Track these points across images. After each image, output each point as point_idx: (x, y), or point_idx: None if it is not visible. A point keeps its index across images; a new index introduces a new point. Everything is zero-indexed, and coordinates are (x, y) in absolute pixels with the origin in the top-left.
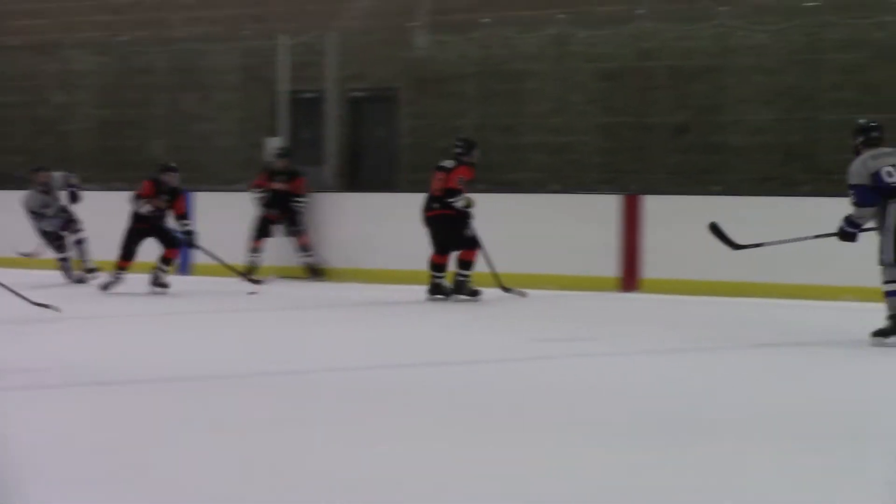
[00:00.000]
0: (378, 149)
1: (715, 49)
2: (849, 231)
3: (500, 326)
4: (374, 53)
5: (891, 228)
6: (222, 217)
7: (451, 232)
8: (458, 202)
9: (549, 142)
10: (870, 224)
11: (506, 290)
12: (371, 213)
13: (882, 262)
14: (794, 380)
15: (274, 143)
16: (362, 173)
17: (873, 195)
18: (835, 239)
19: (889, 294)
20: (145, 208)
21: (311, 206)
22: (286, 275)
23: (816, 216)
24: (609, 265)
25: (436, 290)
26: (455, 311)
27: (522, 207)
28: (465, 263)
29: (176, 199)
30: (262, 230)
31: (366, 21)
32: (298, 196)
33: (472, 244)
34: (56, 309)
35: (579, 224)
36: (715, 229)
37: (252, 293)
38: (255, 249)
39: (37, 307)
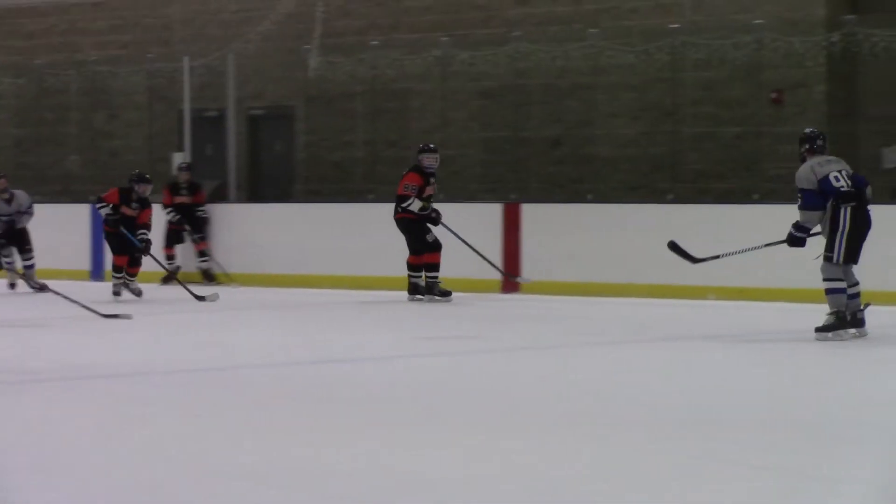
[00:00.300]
0: (275, 162)
1: (586, 68)
2: (798, 236)
3: (391, 326)
4: (272, 74)
5: (845, 230)
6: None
7: (411, 234)
8: (412, 206)
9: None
10: (817, 228)
11: (513, 276)
12: (269, 222)
13: (827, 260)
14: (661, 372)
15: (179, 159)
16: (261, 185)
17: (820, 199)
18: (783, 246)
19: (830, 292)
20: (105, 210)
21: (212, 216)
22: (186, 279)
23: (680, 222)
24: (492, 269)
25: (413, 290)
26: (349, 312)
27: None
28: (429, 266)
29: (144, 210)
30: (173, 238)
31: (264, 44)
32: (200, 206)
33: (432, 247)
34: (127, 316)
35: (464, 231)
36: (674, 246)
37: (205, 298)
38: (169, 257)
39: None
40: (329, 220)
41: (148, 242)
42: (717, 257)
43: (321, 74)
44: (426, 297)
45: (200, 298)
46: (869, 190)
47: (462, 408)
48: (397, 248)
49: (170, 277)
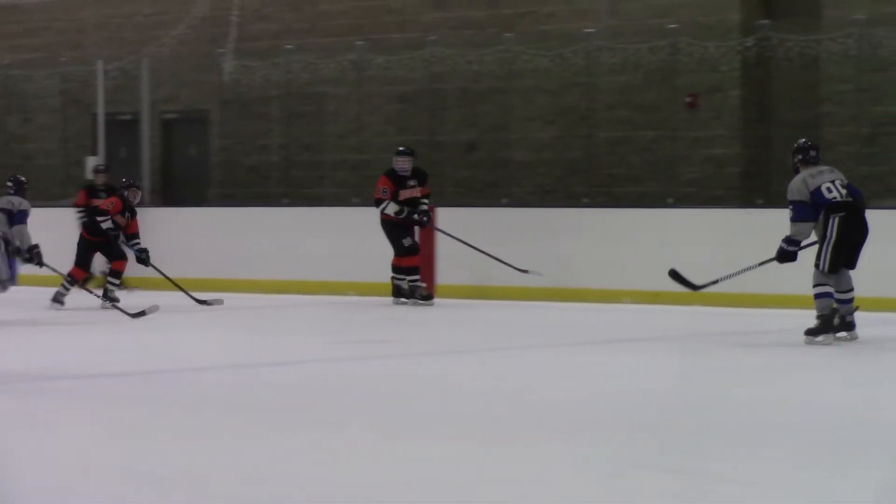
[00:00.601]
0: (190, 166)
1: (501, 72)
2: (789, 251)
3: (307, 329)
4: (186, 78)
5: (832, 240)
6: (46, 231)
7: (391, 237)
8: (387, 209)
9: (349, 159)
10: (809, 240)
11: (523, 270)
12: (183, 225)
13: (815, 268)
14: (574, 374)
15: (93, 162)
16: (175, 189)
17: (812, 211)
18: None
19: (819, 296)
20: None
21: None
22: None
23: (595, 226)
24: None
25: (397, 292)
26: (263, 315)
27: (325, 220)
28: (406, 269)
29: (133, 218)
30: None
31: (178, 47)
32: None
33: (409, 251)
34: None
35: (378, 235)
36: (674, 275)
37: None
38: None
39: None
40: (244, 224)
41: (146, 252)
42: (717, 282)
43: (236, 78)
44: (410, 301)
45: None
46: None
47: (364, 412)
48: (313, 252)
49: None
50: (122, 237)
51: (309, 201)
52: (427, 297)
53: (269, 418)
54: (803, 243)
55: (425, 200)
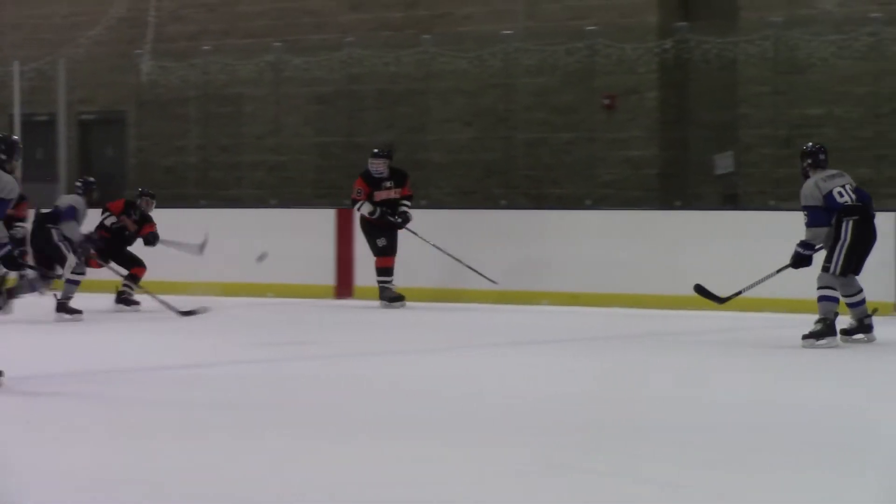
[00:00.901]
0: (107, 168)
1: (419, 74)
2: (805, 255)
3: (233, 332)
4: (103, 79)
5: (846, 242)
6: None
7: (366, 238)
8: (362, 210)
9: (267, 160)
10: (822, 244)
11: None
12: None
13: (824, 270)
14: (490, 377)
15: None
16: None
17: (826, 216)
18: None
19: (824, 299)
20: (110, 220)
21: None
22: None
23: (513, 227)
24: (325, 275)
25: (382, 294)
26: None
27: (244, 221)
28: (380, 270)
29: (145, 224)
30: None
31: (95, 48)
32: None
33: (382, 252)
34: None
35: (296, 237)
36: (700, 290)
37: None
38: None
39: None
40: (161, 225)
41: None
42: (740, 293)
43: (153, 79)
44: (381, 303)
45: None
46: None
47: (278, 413)
48: (231, 254)
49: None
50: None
51: (227, 202)
52: (397, 298)
53: (173, 420)
54: (818, 247)
55: (406, 202)
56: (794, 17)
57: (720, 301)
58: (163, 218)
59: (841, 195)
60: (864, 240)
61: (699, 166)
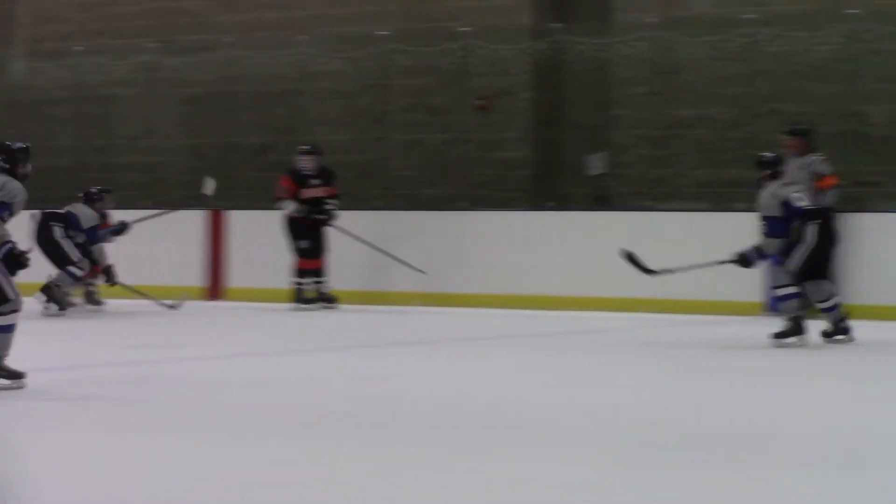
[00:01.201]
0: None
1: (295, 74)
2: (752, 259)
3: (93, 335)
4: None
5: (810, 245)
6: None
7: (288, 238)
8: (283, 208)
9: (140, 161)
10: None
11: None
12: None
13: (784, 268)
14: (352, 378)
15: None
16: None
17: (784, 225)
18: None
19: (785, 297)
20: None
21: None
22: None
23: (388, 228)
24: (195, 276)
25: (297, 296)
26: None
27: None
28: (300, 272)
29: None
30: None
31: None
32: None
33: (305, 253)
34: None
35: (166, 239)
36: (629, 257)
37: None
38: None
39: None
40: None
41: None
42: (672, 272)
43: (24, 80)
44: (312, 306)
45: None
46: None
47: (146, 412)
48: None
49: None
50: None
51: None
52: (304, 301)
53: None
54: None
55: (332, 200)
56: (669, 17)
57: (650, 273)
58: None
59: (800, 199)
60: (827, 243)
61: (573, 167)
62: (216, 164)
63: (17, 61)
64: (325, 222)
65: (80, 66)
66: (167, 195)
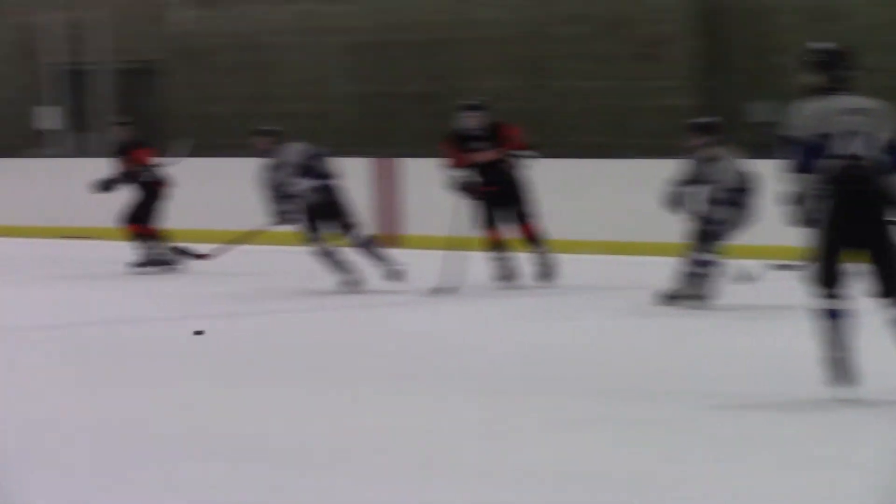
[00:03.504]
0: (144, 118)
1: (454, 22)
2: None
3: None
4: (134, 29)
5: None
6: None
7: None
8: (454, 179)
9: (303, 109)
10: None
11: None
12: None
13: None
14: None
15: (46, 114)
16: None
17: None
18: None
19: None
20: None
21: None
22: None
23: (556, 177)
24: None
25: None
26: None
27: None
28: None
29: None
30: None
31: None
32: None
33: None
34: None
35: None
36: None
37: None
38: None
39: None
40: (200, 175)
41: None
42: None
43: (190, 28)
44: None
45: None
46: None
47: None
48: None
49: None
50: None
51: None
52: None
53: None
54: None
55: (519, 153)
56: None
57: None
58: (200, 167)
59: None
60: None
61: (735, 115)
62: (380, 111)
63: (183, 9)
64: (501, 184)
65: (242, 15)
66: (332, 143)
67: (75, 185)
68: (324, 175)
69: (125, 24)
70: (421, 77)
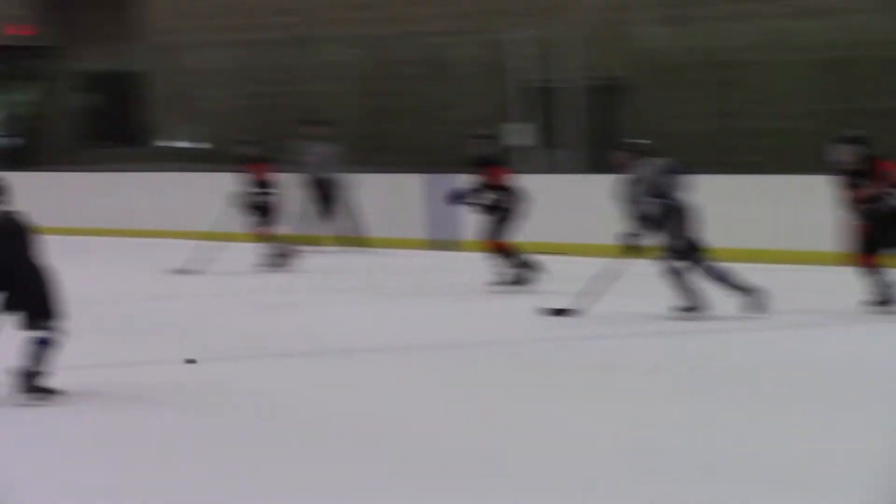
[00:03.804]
0: (610, 134)
1: None
2: None
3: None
4: (604, 44)
5: None
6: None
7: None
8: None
9: (765, 127)
10: None
11: None
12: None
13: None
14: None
15: (512, 131)
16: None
17: None
18: None
19: None
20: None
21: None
22: None
23: None
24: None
25: None
26: None
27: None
28: None
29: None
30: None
31: (589, 16)
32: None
33: None
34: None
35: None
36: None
37: None
38: None
39: None
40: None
41: None
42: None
43: (654, 46)
44: None
45: None
46: None
47: None
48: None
49: None
50: None
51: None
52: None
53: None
54: None
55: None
56: None
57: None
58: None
59: None
60: None
61: None
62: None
63: (650, 26)
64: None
65: (708, 32)
66: (792, 160)
67: (547, 201)
68: (669, 193)
69: (593, 41)
70: (885, 95)
